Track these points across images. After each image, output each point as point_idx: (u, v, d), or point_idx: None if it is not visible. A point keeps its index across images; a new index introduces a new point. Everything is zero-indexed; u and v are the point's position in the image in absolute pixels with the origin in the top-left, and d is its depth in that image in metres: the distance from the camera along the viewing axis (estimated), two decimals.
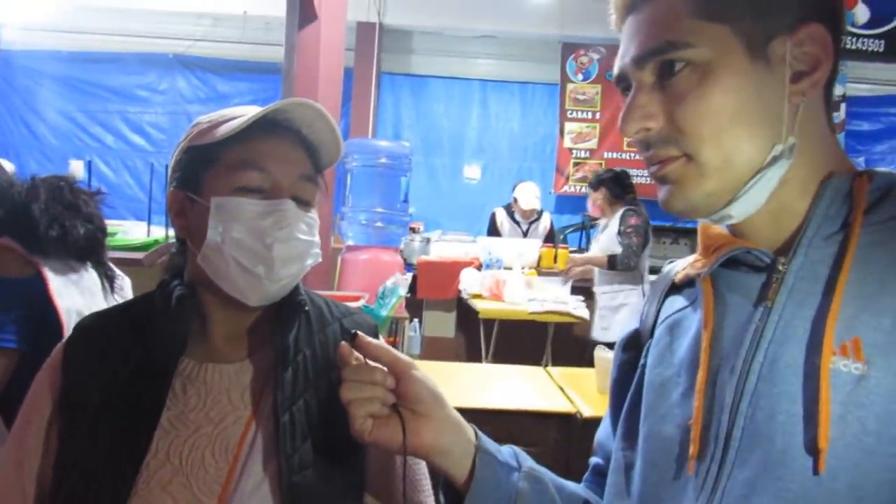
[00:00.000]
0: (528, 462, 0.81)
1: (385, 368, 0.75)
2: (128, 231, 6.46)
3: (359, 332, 0.76)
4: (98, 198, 1.40)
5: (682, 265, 0.76)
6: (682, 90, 0.62)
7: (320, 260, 0.92)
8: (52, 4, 6.67)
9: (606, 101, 7.27)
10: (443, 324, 4.76)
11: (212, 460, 0.83)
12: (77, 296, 1.26)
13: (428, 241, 5.19)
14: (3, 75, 7.34)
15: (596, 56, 7.26)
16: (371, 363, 0.75)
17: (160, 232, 6.30)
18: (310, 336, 0.92)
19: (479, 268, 4.67)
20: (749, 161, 0.62)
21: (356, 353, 0.75)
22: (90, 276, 1.33)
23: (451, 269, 4.68)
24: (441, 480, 0.80)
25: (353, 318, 0.98)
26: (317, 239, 0.90)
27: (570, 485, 0.85)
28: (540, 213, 5.54)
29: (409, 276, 2.86)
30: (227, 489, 0.82)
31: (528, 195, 5.39)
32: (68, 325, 1.23)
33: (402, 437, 0.74)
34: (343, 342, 0.76)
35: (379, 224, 3.01)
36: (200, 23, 7.19)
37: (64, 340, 0.92)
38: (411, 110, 7.67)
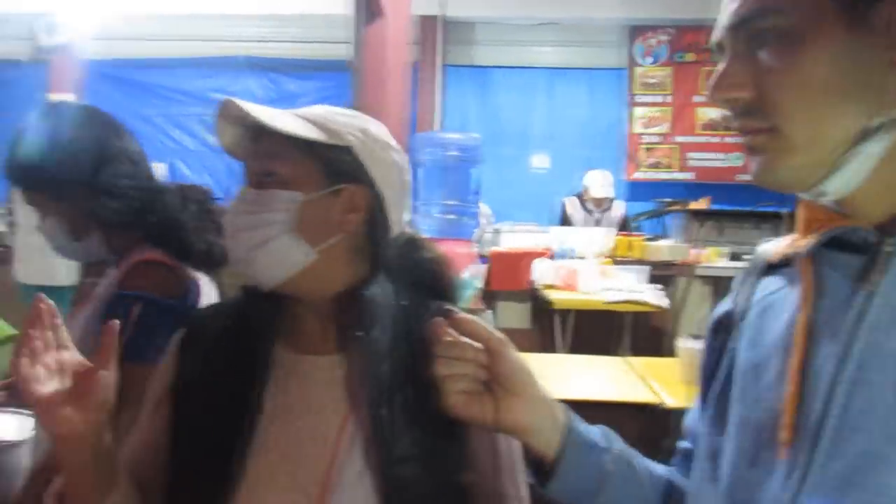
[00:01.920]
0: (618, 443, 0.80)
1: (479, 345, 0.75)
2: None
3: (452, 309, 0.76)
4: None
5: (777, 245, 0.72)
6: (772, 60, 0.59)
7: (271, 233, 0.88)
8: (129, 14, 6.95)
9: (678, 84, 7.06)
10: (517, 315, 4.75)
11: (313, 449, 0.85)
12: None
13: (498, 232, 5.18)
14: (89, 85, 7.67)
15: (665, 38, 7.07)
16: (464, 339, 0.75)
17: None
18: (397, 327, 0.92)
19: (551, 258, 4.64)
20: (843, 136, 0.58)
21: (450, 330, 0.75)
22: (211, 287, 1.35)
23: (524, 260, 4.67)
24: (529, 458, 0.80)
25: (434, 307, 0.98)
26: (257, 218, 0.87)
27: (659, 467, 0.84)
28: (612, 201, 5.46)
29: (484, 267, 2.85)
30: (329, 477, 0.83)
31: (599, 183, 5.32)
32: None
33: (493, 413, 0.74)
34: (438, 318, 0.76)
35: (451, 216, 3.01)
36: (266, 24, 7.34)
37: (179, 332, 0.97)
38: (476, 102, 7.63)
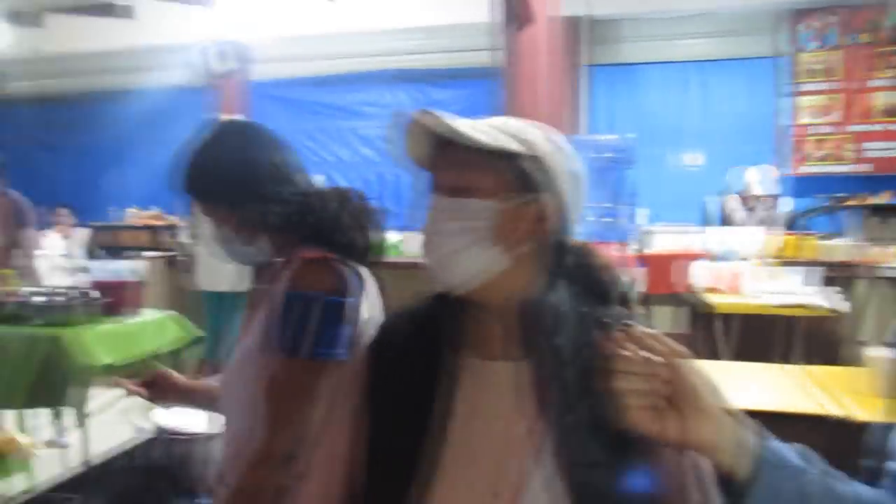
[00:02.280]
0: (819, 464, 0.76)
1: (659, 359, 0.73)
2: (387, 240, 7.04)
3: (632, 323, 0.75)
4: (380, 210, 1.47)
5: None
6: None
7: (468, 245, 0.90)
8: (287, 38, 7.42)
9: (850, 68, 6.49)
10: (673, 319, 4.58)
11: (502, 453, 0.87)
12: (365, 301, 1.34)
13: (650, 233, 5.02)
14: (256, 105, 8.28)
15: (833, 19, 6.54)
16: (645, 354, 0.74)
17: (394, 237, 6.76)
18: (578, 335, 0.92)
19: (710, 259, 4.43)
20: None
21: (629, 344, 0.74)
22: (372, 280, 1.40)
23: (679, 262, 4.49)
24: (717, 476, 0.77)
25: (612, 317, 0.97)
26: (454, 226, 0.90)
27: (867, 491, 0.77)
28: (776, 199, 5.12)
29: (642, 270, 2.78)
30: (520, 481, 0.85)
31: (763, 179, 5.02)
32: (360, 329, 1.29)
33: (678, 430, 0.72)
34: (617, 332, 0.76)
35: (607, 219, 2.96)
36: (413, 36, 7.56)
37: (371, 339, 1.02)
38: (624, 101, 7.43)
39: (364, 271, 1.33)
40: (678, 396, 0.73)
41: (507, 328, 0.94)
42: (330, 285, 1.25)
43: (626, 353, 0.74)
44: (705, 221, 5.45)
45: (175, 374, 1.65)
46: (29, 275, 4.20)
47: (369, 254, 1.39)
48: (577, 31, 6.90)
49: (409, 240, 6.73)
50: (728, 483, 0.75)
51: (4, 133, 9.19)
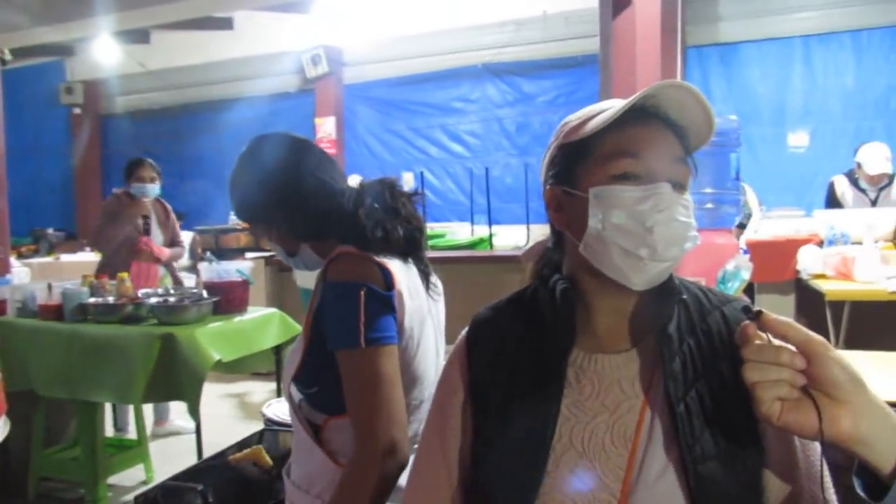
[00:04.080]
0: None
1: (793, 348, 0.70)
2: (455, 232, 7.06)
3: (763, 310, 0.72)
4: (416, 198, 1.47)
5: None
6: None
7: (698, 243, 0.90)
8: (377, 41, 7.57)
9: None
10: (780, 308, 4.37)
11: (612, 446, 0.86)
12: (409, 297, 1.34)
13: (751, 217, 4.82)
14: (347, 106, 8.52)
15: None
16: (777, 342, 0.71)
17: (484, 231, 6.75)
18: (691, 325, 0.91)
19: (819, 244, 4.20)
20: None
21: (760, 333, 0.71)
22: (410, 269, 1.40)
23: (786, 248, 4.28)
24: (856, 466, 0.73)
25: (733, 305, 0.94)
26: (693, 222, 0.89)
27: None
28: (892, 178, 4.80)
29: (748, 257, 2.67)
30: (629, 474, 0.84)
31: (876, 158, 4.69)
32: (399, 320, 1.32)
33: (816, 422, 0.69)
34: (747, 321, 0.73)
35: (710, 205, 2.85)
36: (504, 30, 7.54)
37: (465, 332, 1.02)
38: (722, 81, 7.15)
39: (395, 263, 1.34)
40: (817, 387, 0.70)
41: (620, 318, 0.93)
42: (350, 276, 1.28)
43: (759, 341, 0.72)
44: (817, 205, 5.17)
45: None
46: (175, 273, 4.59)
47: (411, 245, 1.40)
48: (675, 14, 6.68)
49: (502, 233, 6.75)
50: (866, 472, 0.72)
51: (115, 145, 9.84)
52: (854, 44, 6.67)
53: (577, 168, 0.91)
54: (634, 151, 0.87)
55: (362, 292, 1.25)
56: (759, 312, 0.71)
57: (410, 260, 1.42)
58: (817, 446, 0.86)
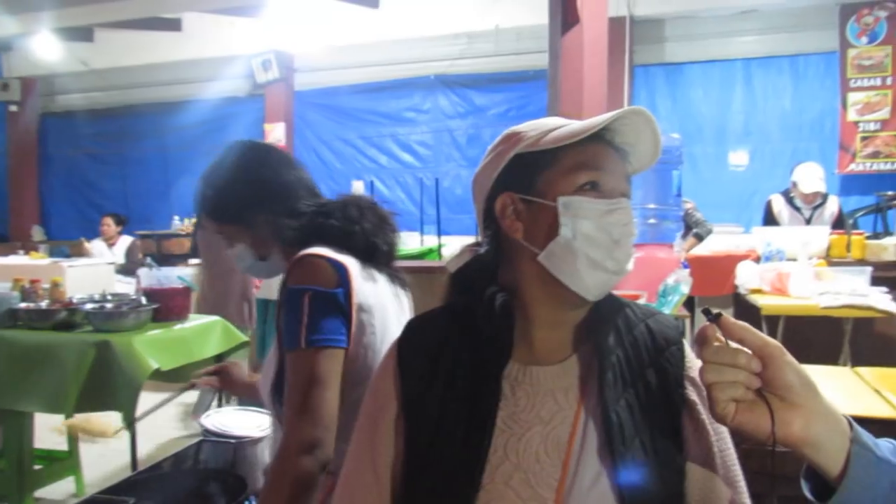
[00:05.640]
0: None
1: (749, 351, 0.72)
2: (404, 242, 7.02)
3: (722, 313, 0.73)
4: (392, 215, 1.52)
5: None
6: None
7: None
8: (330, 48, 7.52)
9: None
10: None
11: (546, 457, 0.87)
12: (371, 295, 1.35)
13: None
14: (297, 113, 8.43)
15: (883, 14, 6.35)
16: (734, 345, 0.72)
17: (433, 241, 6.74)
18: (619, 337, 0.93)
19: (757, 260, 4.33)
20: None
21: (718, 335, 0.73)
22: (383, 278, 1.43)
23: (725, 264, 4.41)
24: (804, 469, 0.75)
25: (657, 319, 0.97)
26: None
27: None
28: (825, 197, 4.99)
29: (688, 272, 2.74)
30: (563, 483, 0.85)
31: (810, 177, 4.87)
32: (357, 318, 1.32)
33: (768, 424, 0.70)
34: (706, 323, 0.74)
35: (652, 220, 2.92)
36: (457, 42, 7.60)
37: (397, 339, 0.99)
38: (667, 100, 7.35)
39: (351, 262, 1.34)
40: (771, 390, 0.71)
41: (556, 330, 0.94)
42: (309, 279, 1.29)
43: (717, 343, 0.72)
44: (755, 222, 5.33)
45: (242, 366, 1.77)
46: None
47: (378, 255, 1.43)
48: (622, 33, 6.84)
49: (452, 244, 6.75)
50: (818, 479, 0.73)
51: (54, 144, 9.53)
52: (792, 68, 6.94)
53: (537, 177, 0.91)
54: (597, 166, 0.90)
55: (307, 296, 1.26)
56: (719, 315, 0.73)
57: (384, 270, 1.46)
58: (733, 452, 0.89)
